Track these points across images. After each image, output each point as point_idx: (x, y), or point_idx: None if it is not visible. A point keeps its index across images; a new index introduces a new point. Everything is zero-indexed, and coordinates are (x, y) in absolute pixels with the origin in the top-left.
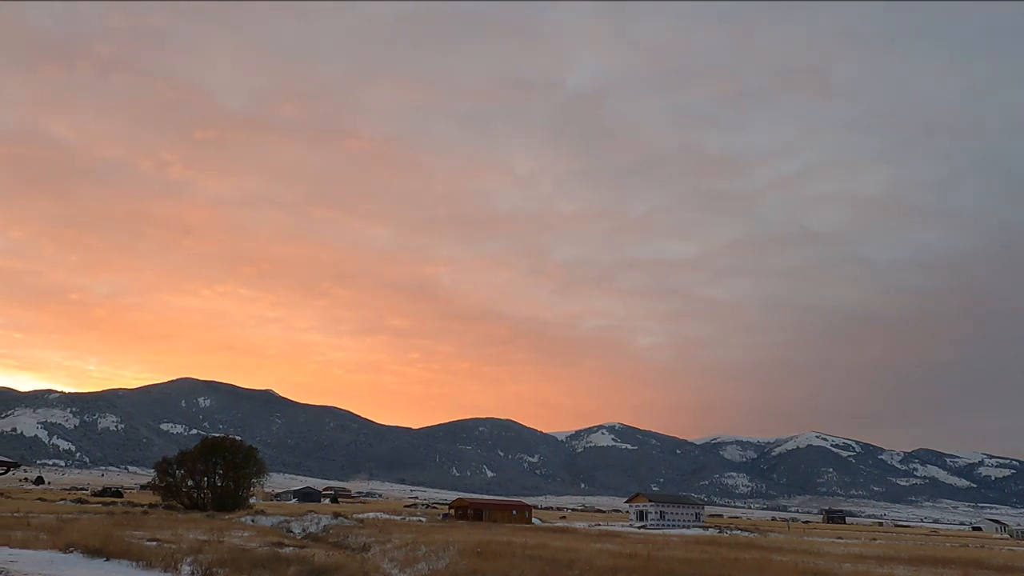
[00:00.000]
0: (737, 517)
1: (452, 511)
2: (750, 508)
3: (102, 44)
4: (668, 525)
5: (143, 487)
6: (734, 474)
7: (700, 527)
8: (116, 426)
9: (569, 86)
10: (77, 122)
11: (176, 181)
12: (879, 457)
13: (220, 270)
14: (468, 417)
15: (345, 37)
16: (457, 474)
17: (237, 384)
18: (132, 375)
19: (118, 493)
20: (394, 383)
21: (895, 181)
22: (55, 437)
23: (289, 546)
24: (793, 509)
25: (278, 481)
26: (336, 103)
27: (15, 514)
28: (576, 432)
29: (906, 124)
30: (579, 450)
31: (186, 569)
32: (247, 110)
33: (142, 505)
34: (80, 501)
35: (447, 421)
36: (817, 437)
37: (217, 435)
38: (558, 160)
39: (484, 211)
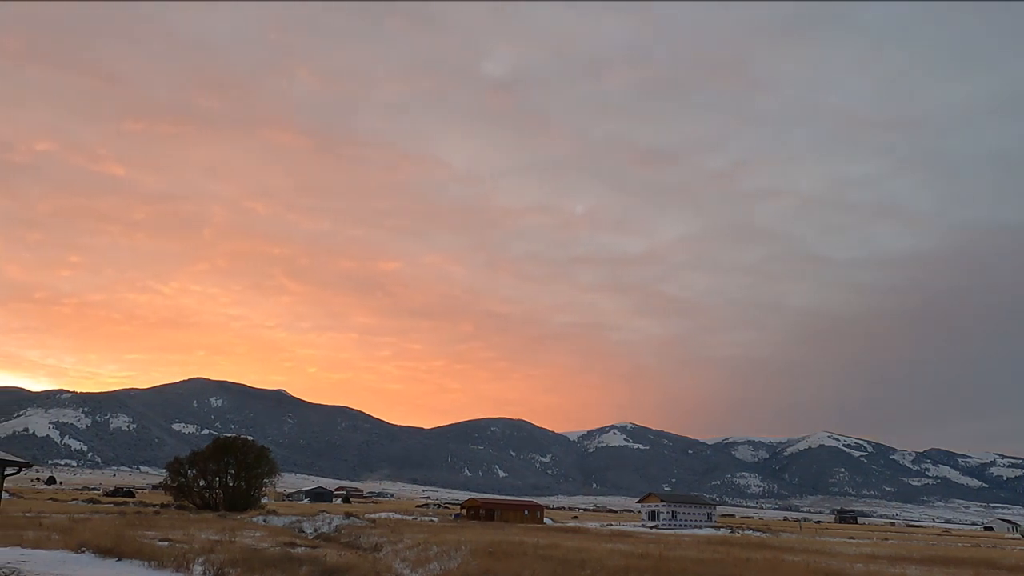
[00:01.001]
0: (749, 517)
1: (464, 511)
2: (762, 508)
3: (7, 37)
4: (680, 525)
5: (155, 487)
6: (746, 474)
7: (712, 527)
8: (128, 426)
9: (489, 77)
10: (2, 116)
11: (112, 176)
12: (891, 457)
13: (174, 267)
14: (480, 417)
15: (256, 26)
16: (469, 474)
17: (249, 384)
18: (108, 374)
19: (130, 493)
20: (372, 381)
21: (835, 176)
22: (67, 437)
23: (301, 546)
24: (805, 509)
25: (290, 481)
26: (256, 94)
27: (27, 514)
28: (588, 432)
29: (830, 117)
30: (591, 450)
31: (198, 569)
32: (170, 102)
33: (154, 505)
34: (92, 501)
35: (459, 421)
36: (829, 437)
37: (229, 435)
38: (491, 152)
39: (426, 205)
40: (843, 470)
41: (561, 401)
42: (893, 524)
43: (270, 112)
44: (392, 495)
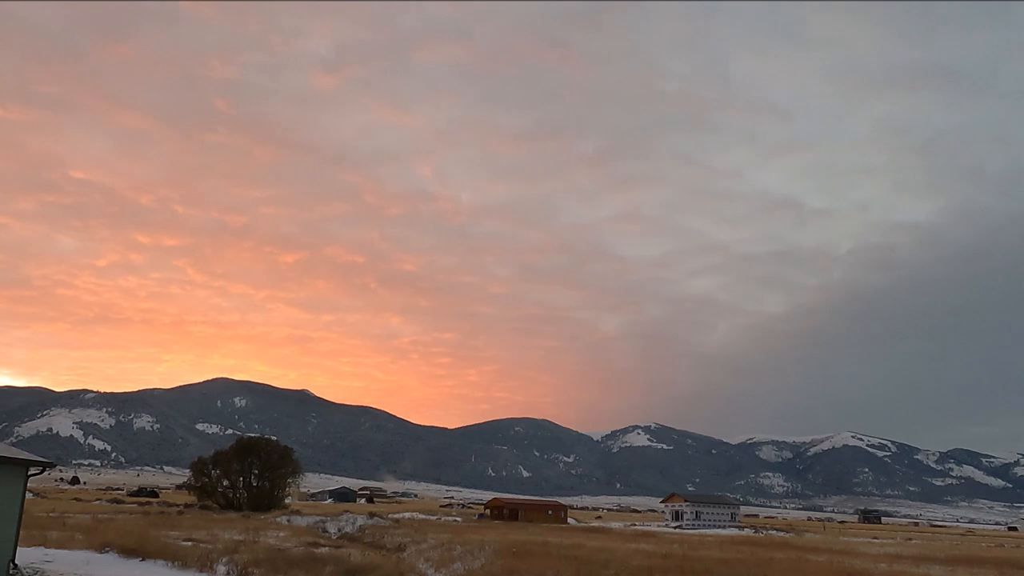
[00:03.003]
0: (773, 517)
1: (488, 511)
2: (786, 508)
3: None
4: (704, 525)
5: (179, 487)
6: (770, 474)
7: (736, 527)
8: (151, 426)
9: (316, 55)
10: None
11: None
12: (915, 457)
13: (81, 261)
14: (504, 417)
15: (77, 7)
16: (492, 474)
17: (272, 384)
18: (56, 375)
19: (153, 493)
20: (330, 379)
21: (701, 167)
22: (91, 437)
23: (325, 546)
24: (829, 509)
25: (313, 481)
26: (93, 77)
27: (51, 514)
28: (611, 432)
29: (665, 101)
30: (614, 450)
31: (222, 569)
32: (15, 89)
33: (177, 505)
34: (116, 501)
35: (483, 421)
36: (853, 437)
37: (252, 435)
38: (353, 134)
39: (306, 192)
40: (867, 470)
41: (527, 399)
42: (917, 524)
43: (113, 96)
44: (416, 495)
